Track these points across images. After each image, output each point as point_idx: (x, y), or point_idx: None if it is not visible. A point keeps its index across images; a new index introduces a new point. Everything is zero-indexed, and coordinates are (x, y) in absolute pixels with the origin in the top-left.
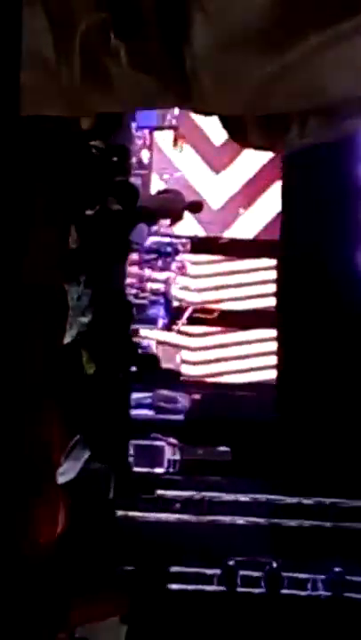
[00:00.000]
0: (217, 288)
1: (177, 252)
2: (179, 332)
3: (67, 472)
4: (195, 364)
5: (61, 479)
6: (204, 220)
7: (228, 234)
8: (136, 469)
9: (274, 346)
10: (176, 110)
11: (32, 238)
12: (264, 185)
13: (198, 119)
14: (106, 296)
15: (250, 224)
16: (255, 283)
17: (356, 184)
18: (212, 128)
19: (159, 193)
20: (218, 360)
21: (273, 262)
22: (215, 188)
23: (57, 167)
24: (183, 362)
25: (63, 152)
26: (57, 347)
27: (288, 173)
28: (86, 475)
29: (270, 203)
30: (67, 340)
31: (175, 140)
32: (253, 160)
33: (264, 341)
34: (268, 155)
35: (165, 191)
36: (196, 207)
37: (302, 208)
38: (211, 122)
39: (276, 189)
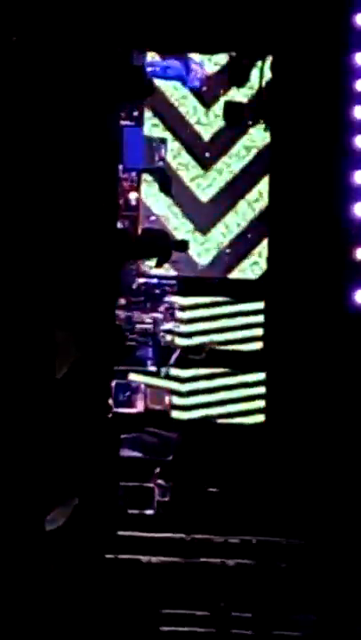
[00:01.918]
0: (206, 330)
1: (165, 293)
2: (167, 376)
3: (54, 520)
4: (184, 409)
5: (49, 527)
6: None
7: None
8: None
9: (262, 389)
10: (163, 152)
11: None
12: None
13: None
14: (100, 335)
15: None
16: (244, 325)
17: (346, 225)
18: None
19: (144, 233)
20: (208, 405)
21: (261, 305)
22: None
23: None
24: (173, 406)
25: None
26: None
27: (275, 213)
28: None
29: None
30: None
31: (162, 183)
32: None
33: (253, 384)
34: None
35: (151, 231)
36: (183, 246)
37: (290, 247)
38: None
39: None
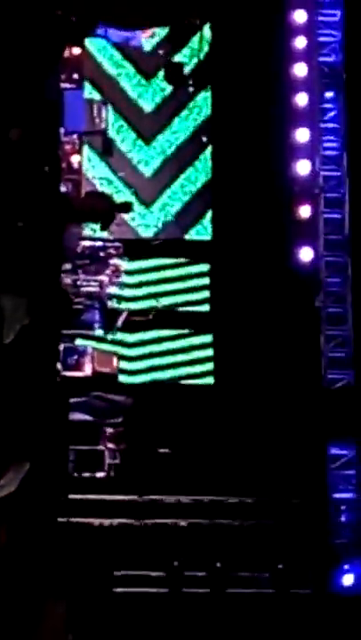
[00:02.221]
0: (150, 294)
1: (110, 255)
2: (113, 340)
3: (7, 485)
4: (131, 373)
5: (1, 492)
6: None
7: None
8: (77, 474)
9: (210, 350)
10: (104, 114)
11: None
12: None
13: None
14: (46, 300)
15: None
16: (189, 287)
17: (288, 183)
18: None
19: (88, 196)
20: (153, 355)
21: (205, 267)
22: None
23: None
24: (120, 371)
25: None
26: None
27: (218, 174)
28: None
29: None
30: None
31: (104, 144)
32: (183, 162)
33: (200, 346)
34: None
35: (94, 194)
36: (126, 207)
37: (234, 208)
38: None
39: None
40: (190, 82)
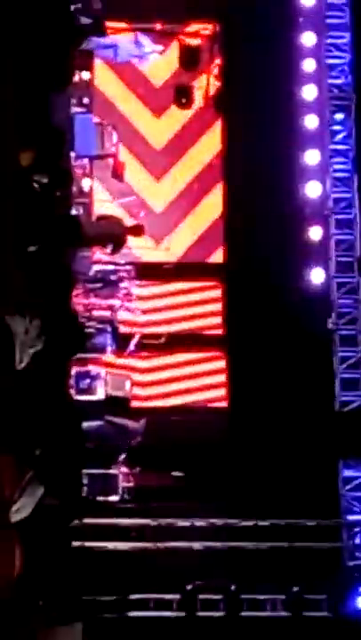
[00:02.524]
0: (163, 313)
1: (121, 279)
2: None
3: (21, 509)
4: (144, 385)
5: (16, 517)
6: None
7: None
8: (91, 498)
9: (223, 372)
10: (114, 138)
11: None
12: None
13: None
14: (58, 324)
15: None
16: (202, 309)
17: (298, 205)
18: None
19: (99, 219)
20: (167, 381)
21: (219, 287)
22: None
23: None
24: (133, 384)
25: (4, 190)
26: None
27: (229, 198)
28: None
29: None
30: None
31: (115, 168)
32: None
33: (213, 367)
34: (210, 184)
35: (105, 217)
36: (137, 230)
37: (246, 231)
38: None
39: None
40: (200, 105)
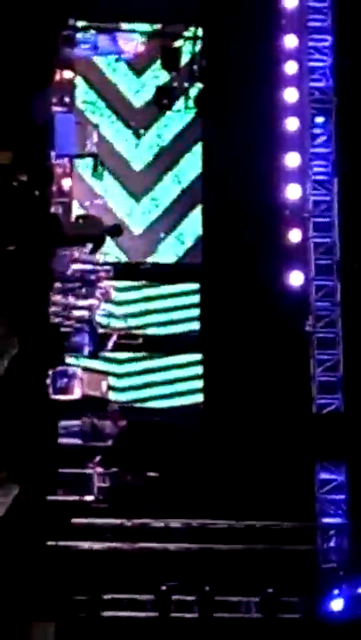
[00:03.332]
0: (141, 314)
1: (100, 279)
2: (105, 359)
3: None
4: (122, 390)
5: None
6: (125, 245)
7: (151, 259)
8: (65, 498)
9: (199, 370)
10: (95, 137)
11: None
12: (185, 209)
13: (117, 144)
14: (31, 325)
15: (172, 248)
16: (179, 307)
17: (278, 208)
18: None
19: (78, 219)
20: (144, 386)
21: (196, 286)
22: (136, 213)
23: None
24: (110, 388)
25: None
26: None
27: (209, 198)
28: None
29: (192, 227)
30: None
31: (95, 167)
32: (173, 184)
33: (189, 366)
34: (188, 178)
35: (84, 217)
36: (117, 231)
37: (225, 232)
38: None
39: (197, 214)
40: (181, 106)
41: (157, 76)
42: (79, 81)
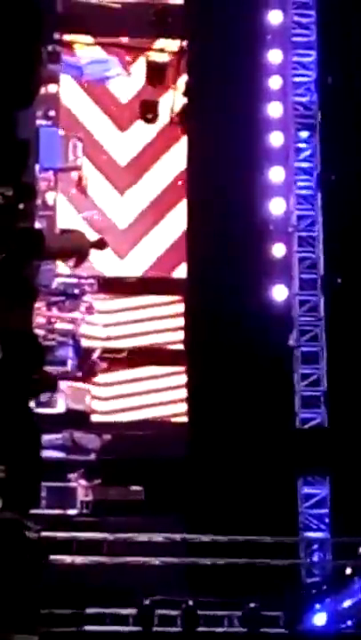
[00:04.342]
0: (125, 328)
1: (84, 292)
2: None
3: None
4: (105, 399)
5: None
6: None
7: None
8: (49, 512)
9: (183, 386)
10: (79, 151)
11: None
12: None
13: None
14: (14, 339)
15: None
16: (163, 323)
17: (262, 222)
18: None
19: (62, 233)
20: (127, 395)
21: (180, 302)
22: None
23: None
24: (93, 398)
25: None
26: None
27: (194, 212)
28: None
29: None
30: None
31: (80, 181)
32: (160, 208)
33: (174, 382)
34: (174, 203)
35: (69, 231)
36: (101, 244)
37: (209, 247)
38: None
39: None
40: (165, 120)
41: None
42: None
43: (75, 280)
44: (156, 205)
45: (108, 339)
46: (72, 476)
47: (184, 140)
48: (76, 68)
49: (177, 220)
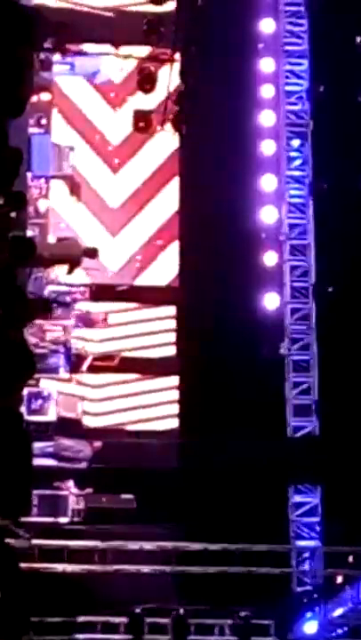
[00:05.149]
0: (117, 336)
1: (75, 300)
2: (79, 382)
3: None
4: (96, 414)
5: None
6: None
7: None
8: (40, 520)
9: (175, 394)
10: (72, 159)
11: None
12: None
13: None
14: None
15: (150, 273)
16: (155, 331)
17: (254, 230)
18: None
19: (58, 240)
20: (119, 410)
21: (172, 311)
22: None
23: None
24: (85, 413)
25: None
26: None
27: (186, 220)
28: None
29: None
30: None
31: (71, 189)
32: (150, 222)
33: (165, 390)
34: (168, 210)
35: (64, 238)
36: (93, 253)
37: (201, 255)
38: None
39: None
40: (158, 128)
41: None
42: None
43: (66, 288)
44: (147, 212)
45: (100, 347)
46: (63, 484)
47: (176, 146)
48: (66, 63)
49: (169, 227)
